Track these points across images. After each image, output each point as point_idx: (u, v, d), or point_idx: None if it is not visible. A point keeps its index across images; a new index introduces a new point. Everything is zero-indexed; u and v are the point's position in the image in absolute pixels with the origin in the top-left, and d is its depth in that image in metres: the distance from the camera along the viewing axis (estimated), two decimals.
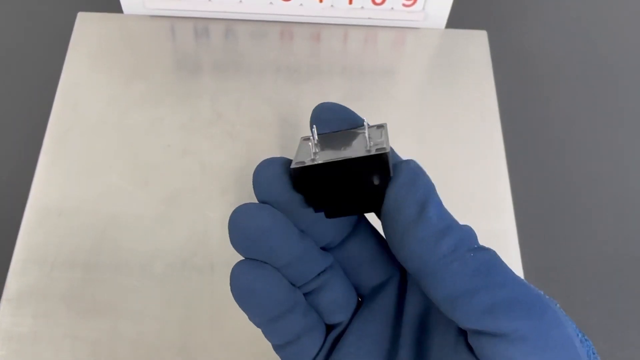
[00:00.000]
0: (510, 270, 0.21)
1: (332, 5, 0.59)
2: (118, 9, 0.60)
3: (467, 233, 0.22)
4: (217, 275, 0.48)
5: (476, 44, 0.62)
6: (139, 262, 0.48)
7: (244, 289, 0.23)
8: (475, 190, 0.53)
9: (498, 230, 0.51)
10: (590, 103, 0.67)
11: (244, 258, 0.23)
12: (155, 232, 0.49)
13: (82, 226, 0.49)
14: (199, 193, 0.51)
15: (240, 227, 0.23)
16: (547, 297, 0.21)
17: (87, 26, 0.60)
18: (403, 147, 0.57)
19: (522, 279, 0.21)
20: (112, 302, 0.46)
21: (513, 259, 0.50)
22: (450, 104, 0.58)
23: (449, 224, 0.21)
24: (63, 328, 0.45)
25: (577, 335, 0.22)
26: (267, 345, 0.25)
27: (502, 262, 0.22)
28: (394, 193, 0.22)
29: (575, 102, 0.67)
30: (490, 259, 0.21)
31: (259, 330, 0.24)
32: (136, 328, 0.46)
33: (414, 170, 0.22)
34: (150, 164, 0.53)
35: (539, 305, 0.20)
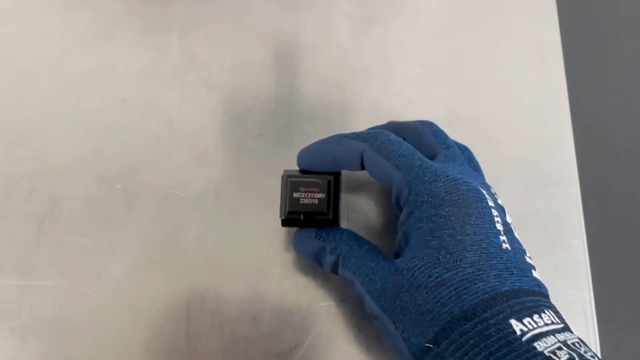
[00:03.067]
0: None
1: None
2: None
3: None
4: (196, 290, 0.36)
5: None
6: (90, 265, 0.36)
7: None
8: (533, 158, 0.41)
9: (562, 209, 0.39)
10: None
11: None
12: (108, 222, 0.37)
13: (7, 217, 0.37)
14: (166, 164, 0.39)
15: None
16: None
17: None
18: (434, 98, 0.44)
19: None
20: (54, 317, 0.35)
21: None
22: (498, 37, 0.44)
23: None
24: None
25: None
26: None
27: None
28: None
29: None
30: None
31: None
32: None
33: None
34: (100, 126, 0.39)
35: None
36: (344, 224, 0.37)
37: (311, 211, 0.33)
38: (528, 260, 0.29)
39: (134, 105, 0.40)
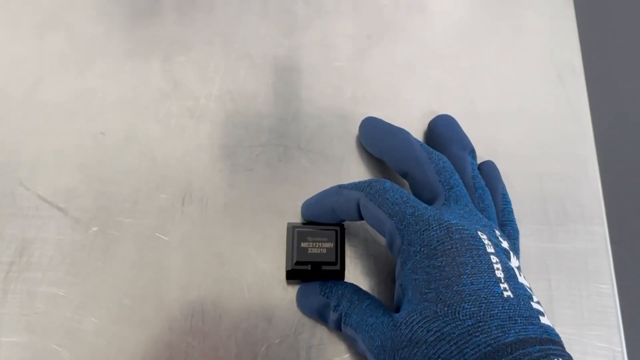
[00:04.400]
0: None
1: None
2: None
3: None
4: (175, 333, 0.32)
5: None
6: (62, 319, 0.32)
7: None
8: (555, 170, 0.37)
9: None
10: None
11: None
12: (82, 270, 0.33)
13: None
14: (149, 203, 0.35)
15: None
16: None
17: None
18: (450, 107, 0.40)
19: None
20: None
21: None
22: (511, 55, 0.40)
23: None
24: None
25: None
26: None
27: None
28: None
29: None
30: None
31: None
32: None
33: None
34: (74, 162, 0.36)
35: None
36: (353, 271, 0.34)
37: (320, 261, 0.32)
38: (535, 306, 0.27)
39: (112, 138, 0.36)
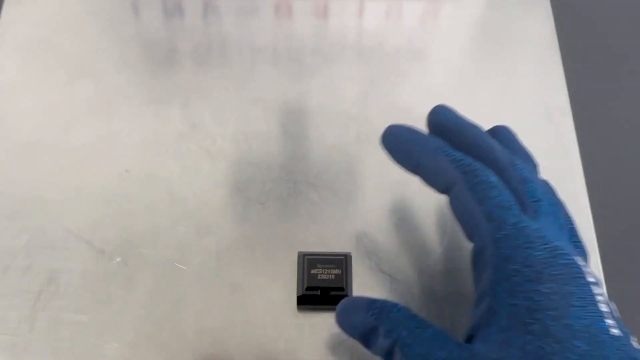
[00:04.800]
0: None
1: None
2: None
3: None
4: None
5: (536, 16, 0.47)
6: (85, 345, 0.34)
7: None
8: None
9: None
10: None
11: None
12: (105, 298, 0.36)
13: (3, 294, 0.36)
14: (168, 236, 0.38)
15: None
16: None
17: (16, 10, 0.45)
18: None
19: None
20: None
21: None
22: (504, 97, 0.43)
23: None
24: None
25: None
26: None
27: None
28: None
29: None
30: None
31: None
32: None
33: None
34: (100, 197, 0.39)
35: None
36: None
37: (329, 286, 0.34)
38: (636, 345, 0.25)
39: (135, 175, 0.39)
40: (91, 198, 0.39)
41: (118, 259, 0.37)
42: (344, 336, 0.31)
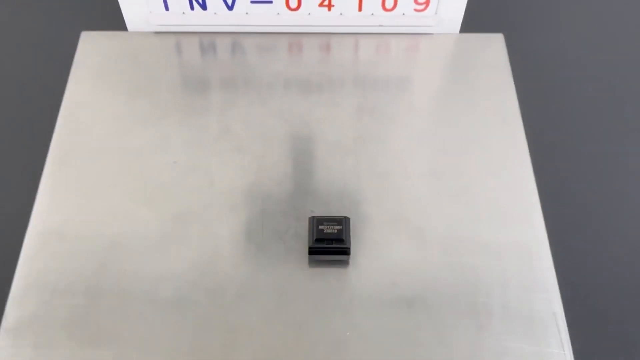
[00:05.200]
0: None
1: (341, 14, 0.57)
2: (123, 27, 0.59)
3: None
4: (229, 298, 0.44)
5: (493, 48, 0.59)
6: (145, 287, 0.45)
7: None
8: (502, 198, 0.50)
9: (528, 241, 0.47)
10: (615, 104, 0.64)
11: None
12: (161, 254, 0.47)
13: (84, 250, 0.47)
14: (208, 211, 0.49)
15: None
16: None
17: (90, 45, 0.59)
18: (424, 157, 0.54)
19: None
20: (116, 330, 0.43)
21: (545, 269, 0.46)
22: (470, 111, 0.55)
23: None
24: (63, 359, 0.42)
25: None
26: None
27: None
28: None
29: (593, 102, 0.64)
30: None
31: None
32: (142, 359, 0.42)
33: None
34: (155, 183, 0.50)
35: None
36: None
37: (333, 238, 0.45)
38: None
39: (182, 167, 0.51)
40: (149, 181, 0.50)
41: (169, 228, 0.48)
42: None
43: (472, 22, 0.60)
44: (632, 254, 0.56)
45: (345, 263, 0.46)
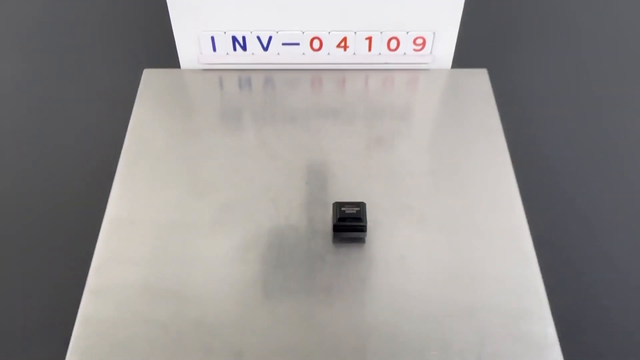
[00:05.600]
0: None
1: (354, 53, 0.71)
2: (177, 65, 0.73)
3: None
4: (269, 266, 0.55)
5: (479, 81, 0.73)
6: (199, 255, 0.56)
7: None
8: (486, 192, 0.61)
9: (510, 225, 0.58)
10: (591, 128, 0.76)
11: None
12: (212, 235, 0.58)
13: (151, 232, 0.58)
14: (249, 202, 0.60)
15: None
16: None
17: (151, 80, 0.72)
18: (425, 160, 0.66)
19: None
20: (178, 290, 0.54)
21: (524, 245, 0.57)
22: (461, 130, 0.67)
23: None
24: (137, 314, 0.52)
25: None
26: None
27: None
28: None
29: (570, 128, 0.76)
30: None
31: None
32: (200, 310, 0.53)
33: None
34: (206, 181, 0.62)
35: None
36: None
37: (353, 217, 0.56)
38: None
39: (228, 169, 0.63)
40: (201, 180, 0.62)
41: (217, 215, 0.59)
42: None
43: (462, 59, 0.73)
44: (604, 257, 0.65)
45: (362, 240, 0.57)
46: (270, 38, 0.70)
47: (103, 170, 0.66)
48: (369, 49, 0.71)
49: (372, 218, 0.58)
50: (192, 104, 0.70)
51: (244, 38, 0.70)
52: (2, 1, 0.86)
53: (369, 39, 0.70)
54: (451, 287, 0.54)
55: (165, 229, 0.58)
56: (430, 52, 0.71)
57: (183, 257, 0.56)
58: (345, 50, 0.71)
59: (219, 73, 0.73)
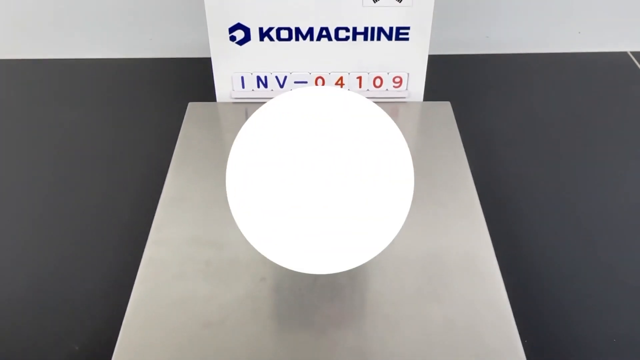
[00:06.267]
0: None
1: (348, 89, 0.93)
2: (214, 98, 0.95)
3: None
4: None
5: (443, 111, 0.94)
6: (237, 240, 0.76)
7: None
8: (450, 203, 0.81)
9: (469, 225, 0.78)
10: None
11: None
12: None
13: (193, 232, 0.79)
14: None
15: None
16: None
17: (195, 110, 0.95)
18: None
19: None
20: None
21: (482, 241, 0.77)
22: (429, 149, 0.88)
23: None
24: (192, 276, 0.72)
25: None
26: None
27: None
28: None
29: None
30: None
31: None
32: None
33: None
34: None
35: None
36: None
37: None
38: None
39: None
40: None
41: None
42: None
43: (436, 94, 0.95)
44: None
45: None
46: (285, 77, 0.93)
47: (149, 189, 0.86)
48: (360, 86, 0.93)
49: None
50: (224, 128, 0.92)
51: (265, 77, 0.92)
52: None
53: (360, 78, 0.92)
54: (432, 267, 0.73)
55: (204, 230, 0.79)
56: (406, 88, 0.93)
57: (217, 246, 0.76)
58: (342, 86, 0.93)
59: (245, 105, 0.96)
